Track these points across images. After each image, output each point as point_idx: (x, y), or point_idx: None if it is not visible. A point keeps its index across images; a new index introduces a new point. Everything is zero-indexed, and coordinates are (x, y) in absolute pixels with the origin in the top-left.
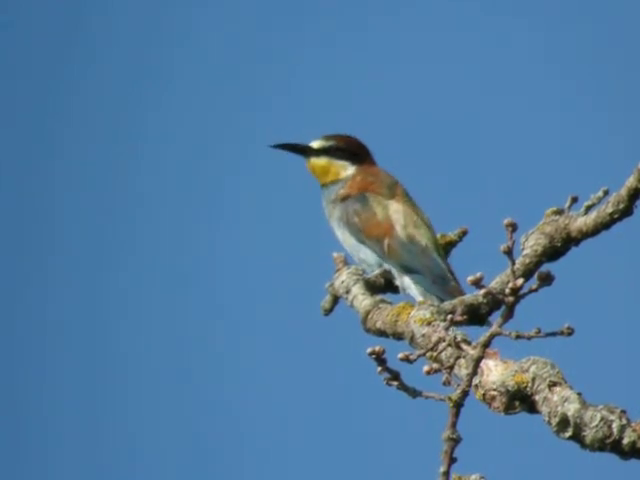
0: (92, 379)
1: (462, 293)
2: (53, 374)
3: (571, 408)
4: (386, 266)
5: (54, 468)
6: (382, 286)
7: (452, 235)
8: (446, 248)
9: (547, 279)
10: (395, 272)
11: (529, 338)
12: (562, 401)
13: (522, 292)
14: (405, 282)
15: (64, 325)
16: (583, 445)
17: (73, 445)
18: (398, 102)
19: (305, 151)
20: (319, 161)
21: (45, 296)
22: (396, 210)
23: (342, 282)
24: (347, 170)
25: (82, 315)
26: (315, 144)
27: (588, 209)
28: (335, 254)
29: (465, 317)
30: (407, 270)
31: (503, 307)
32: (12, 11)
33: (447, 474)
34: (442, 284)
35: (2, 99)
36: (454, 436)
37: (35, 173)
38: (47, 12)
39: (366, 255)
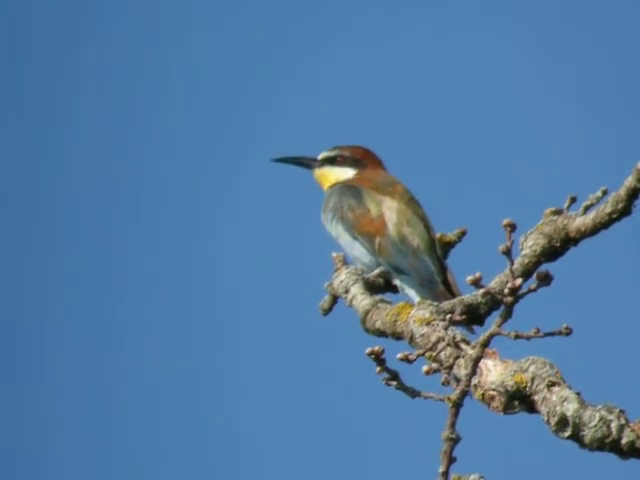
0: (92, 380)
1: (449, 298)
2: (53, 376)
3: (570, 408)
4: (381, 265)
5: (54, 469)
6: (381, 286)
7: (451, 235)
8: (445, 248)
9: (546, 279)
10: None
11: (528, 338)
12: (561, 401)
13: (521, 292)
14: (398, 282)
15: (64, 327)
16: (582, 445)
17: (73, 447)
18: (398, 102)
19: (310, 165)
20: (322, 170)
21: (45, 299)
22: (390, 207)
23: (341, 282)
24: (347, 174)
25: (82, 316)
26: (320, 155)
27: (587, 209)
28: (334, 254)
29: (464, 317)
30: (397, 270)
31: (502, 307)
32: (12, 11)
33: (446, 474)
34: (429, 287)
35: (2, 99)
36: (453, 436)
37: (34, 174)
38: (47, 12)
39: (360, 253)
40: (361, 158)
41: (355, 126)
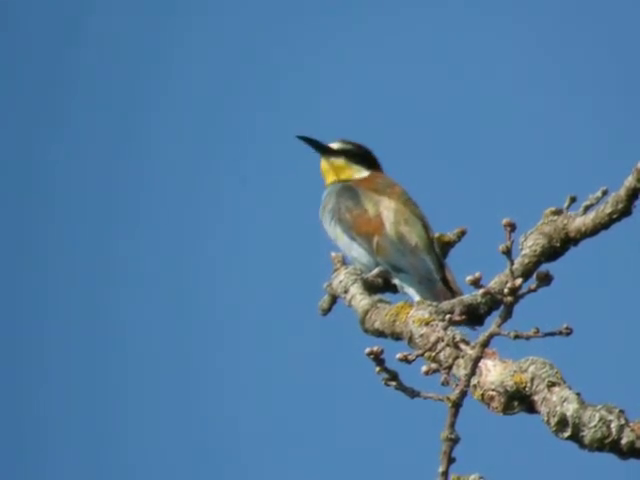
0: (92, 380)
1: (448, 295)
2: (53, 375)
3: (570, 408)
4: (380, 265)
5: (54, 469)
6: (380, 286)
7: (451, 235)
8: (444, 248)
9: (546, 279)
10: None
11: (528, 338)
12: (561, 401)
13: (521, 292)
14: (397, 281)
15: (64, 327)
16: (582, 445)
17: (73, 447)
18: (398, 102)
19: (325, 150)
20: (337, 161)
21: (45, 298)
22: (387, 207)
23: (340, 282)
24: (361, 173)
25: (82, 316)
26: (334, 145)
27: (587, 209)
28: (333, 254)
29: (464, 317)
30: (395, 269)
31: (502, 307)
32: (12, 11)
33: (446, 474)
34: (428, 285)
35: (2, 99)
36: (453, 436)
37: (34, 174)
38: (47, 12)
39: (358, 253)
40: (369, 159)
41: (355, 126)
